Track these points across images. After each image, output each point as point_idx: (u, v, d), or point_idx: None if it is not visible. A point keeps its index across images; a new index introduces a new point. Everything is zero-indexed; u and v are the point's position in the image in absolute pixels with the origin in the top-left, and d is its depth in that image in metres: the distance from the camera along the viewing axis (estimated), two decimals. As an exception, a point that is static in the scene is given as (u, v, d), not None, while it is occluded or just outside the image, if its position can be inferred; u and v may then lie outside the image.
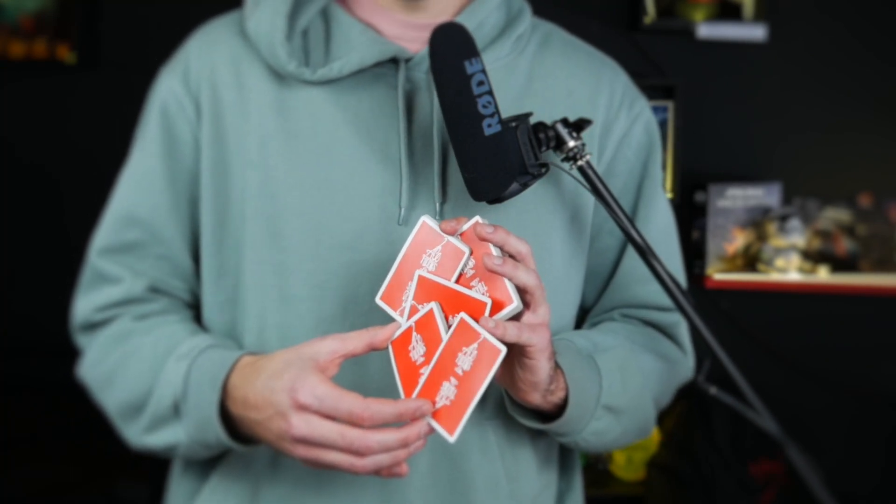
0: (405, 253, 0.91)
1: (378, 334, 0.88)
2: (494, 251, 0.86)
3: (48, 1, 2.30)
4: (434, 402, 0.84)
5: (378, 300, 0.92)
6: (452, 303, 0.86)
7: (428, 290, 0.88)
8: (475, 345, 0.82)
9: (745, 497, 2.09)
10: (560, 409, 0.96)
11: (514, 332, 0.83)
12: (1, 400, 2.13)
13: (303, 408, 0.84)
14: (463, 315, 0.83)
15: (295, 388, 0.84)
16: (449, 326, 0.85)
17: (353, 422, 0.83)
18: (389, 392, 0.88)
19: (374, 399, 0.84)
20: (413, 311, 0.88)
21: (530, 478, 1.04)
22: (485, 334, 0.82)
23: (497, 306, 0.84)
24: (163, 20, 2.10)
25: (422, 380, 0.85)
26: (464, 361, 0.83)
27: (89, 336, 1.06)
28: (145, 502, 2.08)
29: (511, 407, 0.98)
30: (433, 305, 0.86)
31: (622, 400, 1.00)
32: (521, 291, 0.85)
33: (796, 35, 2.32)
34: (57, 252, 1.99)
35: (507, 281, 0.84)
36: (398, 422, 0.84)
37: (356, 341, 0.87)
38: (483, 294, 0.85)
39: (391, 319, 0.90)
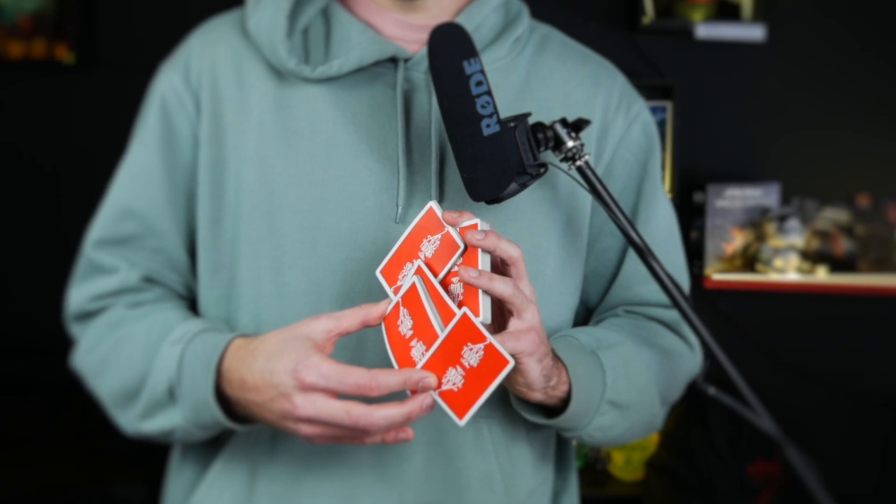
0: (408, 234, 0.92)
1: (371, 311, 0.89)
2: (484, 256, 0.86)
3: (46, 1, 2.29)
4: (440, 382, 0.85)
5: (378, 273, 0.93)
6: (435, 300, 0.87)
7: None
8: (481, 346, 0.82)
9: (743, 497, 2.09)
10: (564, 403, 0.96)
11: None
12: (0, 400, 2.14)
13: (308, 388, 0.84)
14: (466, 310, 0.84)
15: (298, 369, 0.84)
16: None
17: (361, 393, 0.83)
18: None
19: (378, 370, 0.84)
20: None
21: (525, 474, 1.04)
22: (492, 339, 0.82)
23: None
24: (161, 21, 2.10)
25: (415, 352, 0.86)
26: (470, 357, 0.83)
27: (83, 325, 1.07)
28: (143, 502, 2.08)
29: (516, 403, 0.98)
30: (415, 279, 0.88)
31: (627, 395, 1.00)
32: (502, 301, 0.86)
33: (795, 35, 2.32)
34: (55, 252, 1.99)
35: (481, 294, 0.85)
36: (402, 391, 0.85)
37: (350, 319, 0.88)
38: (456, 299, 0.87)
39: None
